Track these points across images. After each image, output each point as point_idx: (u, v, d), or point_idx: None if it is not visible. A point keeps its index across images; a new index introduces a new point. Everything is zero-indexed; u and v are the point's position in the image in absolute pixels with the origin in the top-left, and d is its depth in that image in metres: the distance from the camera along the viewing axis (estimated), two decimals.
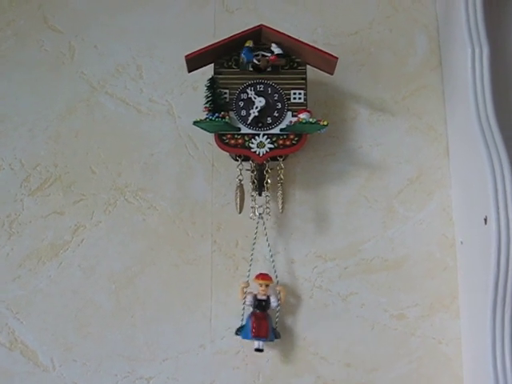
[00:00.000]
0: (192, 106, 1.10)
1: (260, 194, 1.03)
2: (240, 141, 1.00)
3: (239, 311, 1.03)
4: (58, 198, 1.10)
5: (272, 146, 1.00)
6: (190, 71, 1.03)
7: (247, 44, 1.01)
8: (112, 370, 1.04)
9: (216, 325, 1.05)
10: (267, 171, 1.02)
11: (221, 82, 1.01)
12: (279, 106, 1.01)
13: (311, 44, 1.00)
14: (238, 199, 1.01)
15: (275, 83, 1.02)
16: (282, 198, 1.02)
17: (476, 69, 1.00)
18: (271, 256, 1.04)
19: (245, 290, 1.01)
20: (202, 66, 1.03)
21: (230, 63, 1.02)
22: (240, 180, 1.02)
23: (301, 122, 0.98)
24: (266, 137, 1.00)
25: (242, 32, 1.00)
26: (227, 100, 1.01)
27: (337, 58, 1.00)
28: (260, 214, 1.03)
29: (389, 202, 1.09)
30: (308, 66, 1.03)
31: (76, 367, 1.04)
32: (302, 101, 1.01)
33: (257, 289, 1.01)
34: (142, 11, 1.18)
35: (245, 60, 1.01)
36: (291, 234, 1.08)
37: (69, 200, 1.09)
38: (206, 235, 1.08)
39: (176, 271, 1.07)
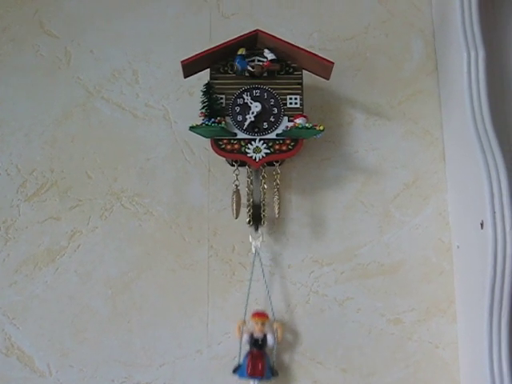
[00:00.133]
0: (188, 111, 1.10)
1: (256, 230, 1.02)
2: (236, 146, 1.00)
3: (236, 316, 1.03)
4: (54, 203, 1.09)
5: (268, 151, 1.00)
6: (185, 76, 1.03)
7: (240, 52, 1.01)
8: (109, 376, 1.04)
9: (213, 330, 1.05)
10: (263, 176, 1.02)
11: (217, 87, 1.01)
12: (275, 111, 1.01)
13: (307, 49, 1.01)
14: (235, 204, 1.01)
15: (271, 88, 1.02)
16: (279, 203, 1.02)
17: (472, 73, 1.00)
18: (268, 292, 1.04)
19: (241, 328, 1.01)
20: (198, 72, 1.03)
21: (226, 68, 1.03)
22: (236, 185, 1.02)
23: (297, 127, 0.98)
24: (262, 142, 1.00)
25: (238, 37, 1.00)
26: (223, 105, 1.01)
27: (333, 63, 1.00)
28: (256, 249, 1.03)
29: (385, 207, 1.09)
30: (304, 71, 1.03)
31: (73, 373, 1.04)
32: (298, 106, 1.02)
33: (253, 326, 1.00)
34: (138, 16, 1.18)
35: (239, 68, 1.01)
36: (287, 239, 1.08)
37: (65, 205, 1.09)
38: (202, 240, 1.08)
39: (173, 276, 1.07)
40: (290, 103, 1.02)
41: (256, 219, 1.02)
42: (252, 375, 0.98)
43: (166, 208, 1.09)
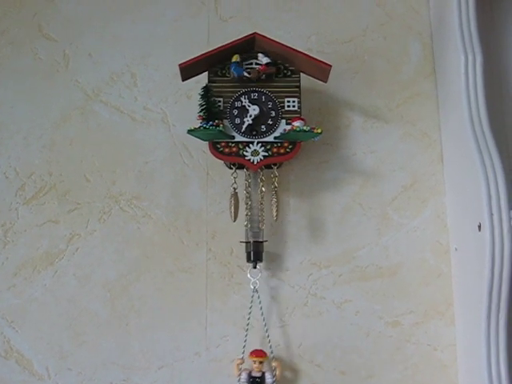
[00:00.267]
0: (186, 114, 1.10)
1: (255, 267, 1.01)
2: (234, 149, 1.00)
3: (235, 319, 1.03)
4: (52, 206, 1.10)
5: (266, 153, 1.00)
6: (183, 80, 1.03)
7: (234, 59, 1.01)
8: (107, 379, 1.04)
9: (211, 333, 1.05)
10: (261, 179, 1.02)
11: (215, 90, 1.01)
12: (273, 113, 1.02)
13: (305, 52, 1.01)
14: (233, 207, 1.01)
15: (269, 91, 1.02)
16: (277, 206, 1.02)
17: (469, 75, 1.00)
18: (266, 331, 1.03)
19: (240, 366, 1.00)
20: (195, 75, 1.03)
21: (223, 71, 1.03)
22: (234, 188, 1.02)
23: (295, 130, 0.98)
24: (260, 145, 1.01)
25: (236, 40, 1.00)
26: (221, 108, 1.01)
27: (330, 66, 1.00)
28: (255, 287, 1.02)
29: (383, 210, 1.09)
30: (302, 74, 1.03)
31: (71, 376, 1.04)
32: (296, 109, 1.02)
33: (251, 365, 1.00)
34: (136, 19, 1.18)
35: (235, 75, 1.01)
36: (286, 241, 1.08)
37: (63, 209, 1.09)
38: (200, 243, 1.08)
39: (171, 279, 1.07)
40: (288, 106, 1.02)
41: (256, 256, 1.01)
42: None
43: (165, 211, 1.09)
